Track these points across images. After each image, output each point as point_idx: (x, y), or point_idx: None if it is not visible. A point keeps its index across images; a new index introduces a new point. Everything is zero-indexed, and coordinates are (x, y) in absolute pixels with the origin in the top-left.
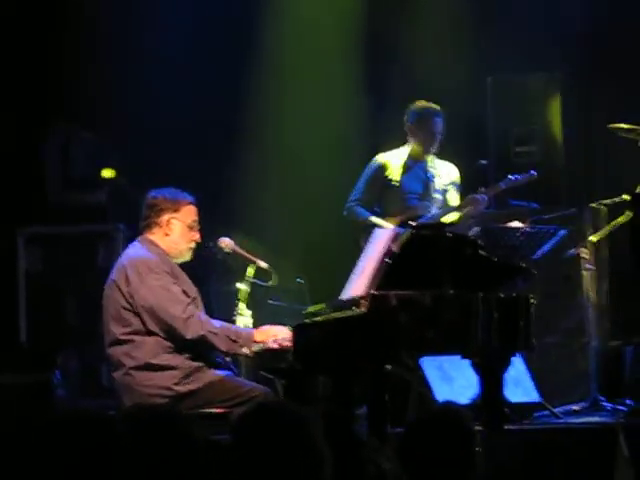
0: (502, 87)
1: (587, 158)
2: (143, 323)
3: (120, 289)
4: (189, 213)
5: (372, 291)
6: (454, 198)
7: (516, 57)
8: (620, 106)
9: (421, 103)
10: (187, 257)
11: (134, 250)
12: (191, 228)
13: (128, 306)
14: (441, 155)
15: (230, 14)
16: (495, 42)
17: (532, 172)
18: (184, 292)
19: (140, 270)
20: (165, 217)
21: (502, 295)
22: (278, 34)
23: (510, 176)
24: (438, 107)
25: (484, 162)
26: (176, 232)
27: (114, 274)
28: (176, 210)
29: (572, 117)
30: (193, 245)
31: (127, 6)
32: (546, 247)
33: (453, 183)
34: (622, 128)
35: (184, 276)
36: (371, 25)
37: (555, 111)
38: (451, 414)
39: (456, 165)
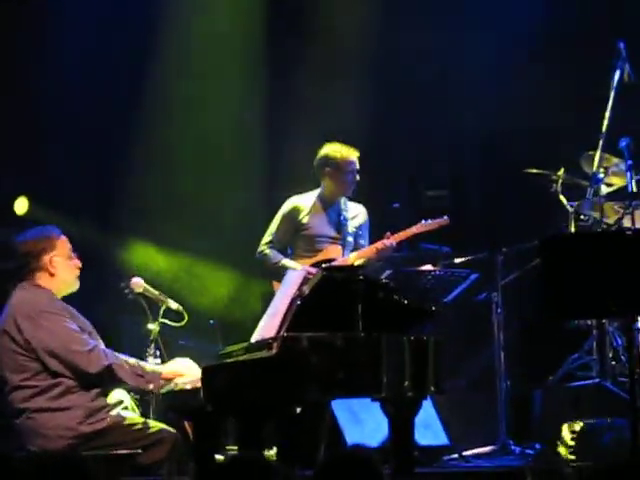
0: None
1: (499, 202)
2: (45, 366)
3: (13, 338)
4: (63, 245)
5: (283, 333)
6: (365, 240)
7: None
8: (531, 151)
9: (336, 146)
10: (76, 285)
11: (20, 297)
12: (70, 257)
13: (25, 353)
14: (354, 197)
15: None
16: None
17: (445, 217)
18: (80, 327)
19: (31, 315)
20: (46, 258)
21: (412, 338)
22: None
23: (422, 220)
24: (353, 150)
25: (396, 205)
26: (60, 268)
27: (4, 324)
28: (53, 248)
29: (483, 161)
30: (78, 272)
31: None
32: (457, 291)
33: (364, 225)
34: (533, 173)
35: (75, 312)
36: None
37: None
38: (360, 457)
39: (368, 208)
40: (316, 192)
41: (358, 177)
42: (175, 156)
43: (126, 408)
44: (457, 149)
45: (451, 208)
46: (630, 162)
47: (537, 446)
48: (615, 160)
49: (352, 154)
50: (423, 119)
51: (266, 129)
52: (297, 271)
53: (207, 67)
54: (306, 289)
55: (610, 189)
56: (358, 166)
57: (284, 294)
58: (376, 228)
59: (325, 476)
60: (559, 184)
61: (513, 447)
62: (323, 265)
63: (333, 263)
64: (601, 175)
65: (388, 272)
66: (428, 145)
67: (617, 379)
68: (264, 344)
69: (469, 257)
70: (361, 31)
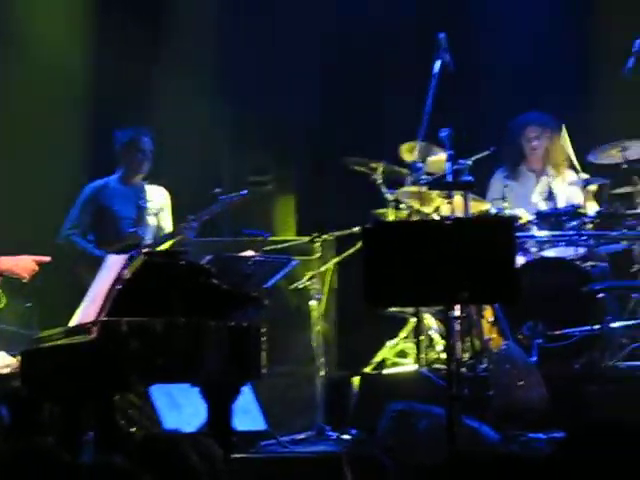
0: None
1: (319, 189)
2: None
3: None
4: None
5: (103, 317)
6: (167, 222)
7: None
8: (354, 140)
9: (128, 126)
10: None
11: None
12: None
13: None
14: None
15: None
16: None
17: (243, 192)
18: None
19: None
20: None
21: (233, 324)
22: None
23: (221, 197)
24: (142, 128)
25: (219, 191)
26: None
27: None
28: None
29: (306, 148)
30: None
31: None
32: (277, 276)
33: (165, 207)
34: (353, 161)
35: None
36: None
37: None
38: (176, 442)
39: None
40: (116, 174)
41: (150, 155)
42: None
43: None
44: (281, 134)
45: (274, 193)
46: (450, 152)
47: (354, 432)
48: (435, 150)
49: (140, 132)
50: (246, 104)
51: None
52: (118, 255)
53: None
54: (127, 273)
55: (429, 178)
56: (149, 144)
57: (104, 278)
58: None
59: (140, 461)
60: (379, 172)
61: (330, 433)
62: (144, 250)
63: (136, 249)
64: (421, 164)
65: (209, 257)
66: (252, 130)
67: (433, 366)
68: (83, 328)
69: (290, 243)
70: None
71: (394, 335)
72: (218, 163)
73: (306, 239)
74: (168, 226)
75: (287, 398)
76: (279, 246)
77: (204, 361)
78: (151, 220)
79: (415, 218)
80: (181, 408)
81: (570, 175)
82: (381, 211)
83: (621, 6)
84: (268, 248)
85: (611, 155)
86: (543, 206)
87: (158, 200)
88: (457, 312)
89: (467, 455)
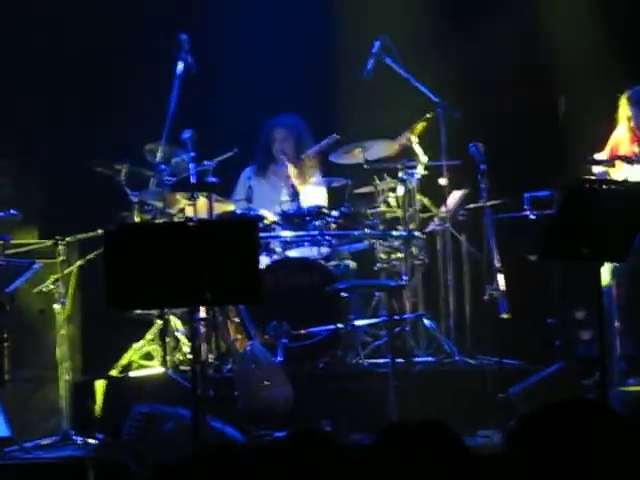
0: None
1: (64, 192)
2: None
3: None
4: None
5: None
6: None
7: None
8: (97, 140)
9: None
10: None
11: None
12: None
13: None
14: None
15: None
16: None
17: None
18: None
19: None
20: None
21: None
22: None
23: None
24: None
25: None
26: None
27: None
28: None
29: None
30: None
31: None
32: (20, 280)
33: None
34: (97, 163)
35: None
36: None
37: None
38: None
39: None
40: None
41: None
42: None
43: None
44: (23, 135)
45: (14, 197)
46: (193, 154)
47: (99, 436)
48: (178, 151)
49: None
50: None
51: None
52: None
53: None
54: None
55: (173, 180)
56: None
57: None
58: None
59: None
60: (123, 173)
61: (75, 437)
62: None
63: None
64: (165, 166)
65: None
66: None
67: (179, 368)
68: None
69: (32, 246)
70: None
71: (140, 337)
72: None
73: (49, 242)
74: None
75: (31, 404)
76: (21, 249)
77: None
78: None
79: (159, 220)
80: None
81: (314, 176)
82: (126, 213)
83: (361, 7)
84: (10, 252)
85: (353, 155)
86: (287, 206)
87: None
88: (202, 313)
89: (211, 453)
